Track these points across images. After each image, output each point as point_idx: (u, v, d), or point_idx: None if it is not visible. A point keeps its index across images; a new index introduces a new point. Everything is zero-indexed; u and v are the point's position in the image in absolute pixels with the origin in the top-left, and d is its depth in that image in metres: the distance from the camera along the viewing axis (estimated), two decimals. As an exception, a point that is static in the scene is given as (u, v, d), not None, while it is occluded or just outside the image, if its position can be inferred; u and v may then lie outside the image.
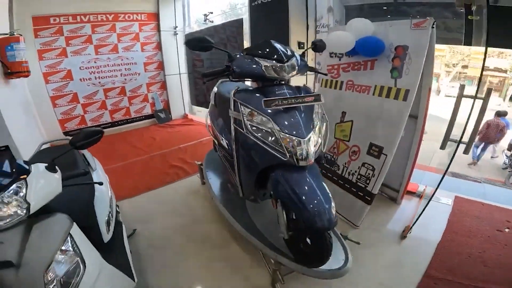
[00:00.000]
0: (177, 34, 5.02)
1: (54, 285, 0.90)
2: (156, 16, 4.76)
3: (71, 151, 1.78)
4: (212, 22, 4.48)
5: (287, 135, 1.21)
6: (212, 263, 1.80)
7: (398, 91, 1.81)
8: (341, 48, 1.95)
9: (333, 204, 1.19)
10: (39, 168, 1.08)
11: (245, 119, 1.29)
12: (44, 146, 1.91)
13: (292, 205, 1.19)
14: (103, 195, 1.68)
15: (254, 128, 1.28)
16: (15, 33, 2.21)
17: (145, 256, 1.90)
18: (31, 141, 2.42)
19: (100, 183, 1.35)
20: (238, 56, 1.40)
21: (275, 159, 1.24)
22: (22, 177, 0.99)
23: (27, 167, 1.03)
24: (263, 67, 1.30)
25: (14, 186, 0.96)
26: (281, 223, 1.31)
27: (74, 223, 1.09)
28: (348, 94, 2.16)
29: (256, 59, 1.32)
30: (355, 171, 2.03)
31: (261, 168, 1.33)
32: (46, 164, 1.10)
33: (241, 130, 1.33)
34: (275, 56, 1.32)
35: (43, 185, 1.04)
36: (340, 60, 2.24)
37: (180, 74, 5.40)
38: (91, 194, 1.59)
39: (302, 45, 2.82)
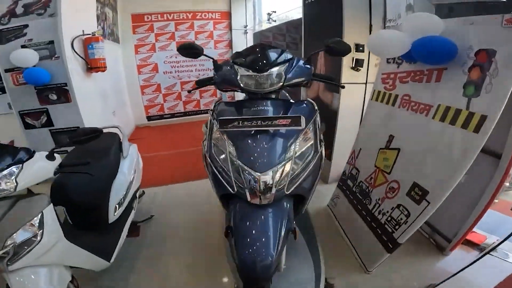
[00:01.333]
0: (247, 32, 5.10)
1: (9, 248, 1.06)
2: (228, 15, 4.96)
3: (112, 138, 2.05)
4: (275, 21, 4.33)
5: (241, 165, 0.99)
6: (199, 267, 1.78)
7: (470, 117, 1.23)
8: (387, 51, 1.48)
9: (279, 251, 0.96)
10: (41, 155, 1.25)
11: (210, 136, 1.13)
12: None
13: (234, 242, 0.99)
14: (122, 181, 1.89)
15: (214, 148, 1.11)
16: (96, 34, 2.66)
17: (148, 240, 2.05)
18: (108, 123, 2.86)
19: (91, 175, 1.46)
20: (223, 63, 1.25)
21: (226, 189, 1.03)
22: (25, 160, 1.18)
23: (29, 152, 1.22)
24: (238, 77, 1.10)
25: (11, 168, 1.13)
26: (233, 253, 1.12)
27: (51, 204, 1.24)
28: (402, 113, 1.65)
29: (236, 67, 1.13)
30: (387, 212, 1.55)
31: (222, 194, 1.14)
32: (47, 153, 1.27)
33: (204, 148, 1.18)
34: (254, 64, 1.10)
35: (36, 170, 1.20)
36: (398, 67, 1.73)
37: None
38: (111, 178, 1.81)
39: (361, 48, 2.34)
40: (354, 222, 1.82)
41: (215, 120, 1.12)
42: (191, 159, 3.47)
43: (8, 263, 1.07)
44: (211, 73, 1.27)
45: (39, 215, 1.17)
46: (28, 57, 2.33)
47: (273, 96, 1.16)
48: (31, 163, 1.20)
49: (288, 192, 1.00)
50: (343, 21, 2.24)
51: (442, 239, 1.79)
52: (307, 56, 1.26)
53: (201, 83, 1.36)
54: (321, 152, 1.14)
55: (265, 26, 4.72)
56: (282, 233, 0.98)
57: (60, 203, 1.56)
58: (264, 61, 1.09)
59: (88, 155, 1.84)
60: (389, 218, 1.52)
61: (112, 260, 1.59)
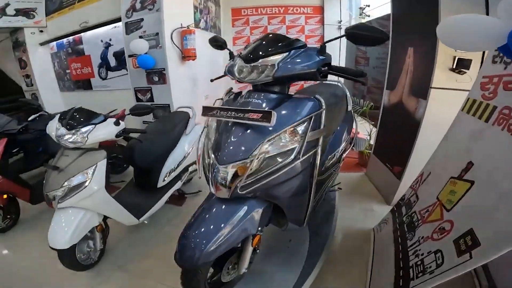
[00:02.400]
0: (341, 28, 4.68)
1: (66, 187, 1.44)
2: (321, 10, 4.67)
3: (183, 116, 2.41)
4: (369, 16, 3.75)
5: (210, 153, 0.96)
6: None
7: None
8: (467, 42, 1.03)
9: (218, 250, 0.91)
10: (110, 121, 1.63)
11: (205, 123, 1.13)
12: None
13: None
14: (179, 153, 2.23)
15: (205, 134, 1.10)
16: (189, 27, 3.08)
17: (187, 211, 2.25)
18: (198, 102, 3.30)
19: (140, 141, 1.84)
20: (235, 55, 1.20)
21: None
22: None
23: (104, 117, 1.63)
24: (235, 68, 1.03)
25: (87, 127, 1.54)
26: None
27: (105, 159, 1.59)
28: (494, 133, 1.15)
29: (237, 58, 1.06)
30: (422, 254, 1.13)
31: None
32: (115, 120, 1.63)
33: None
34: (249, 54, 1.00)
35: (104, 131, 1.58)
36: (505, 68, 1.20)
37: (340, 70, 5.08)
38: (170, 148, 2.17)
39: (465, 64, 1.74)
40: (386, 255, 1.45)
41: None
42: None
43: (60, 201, 1.45)
44: None
45: (94, 166, 1.52)
46: (142, 46, 2.96)
47: (276, 88, 1.04)
48: (102, 126, 1.58)
49: (242, 193, 0.92)
50: (439, 18, 1.73)
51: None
52: (320, 46, 1.05)
53: (218, 77, 1.43)
54: (311, 159, 0.98)
55: (358, 21, 4.22)
56: (233, 233, 0.92)
57: (129, 163, 1.99)
58: (259, 51, 0.99)
59: (159, 128, 2.24)
60: (419, 262, 1.12)
61: (141, 219, 1.86)
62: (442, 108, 1.88)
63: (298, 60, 0.98)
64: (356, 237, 1.85)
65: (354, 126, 2.02)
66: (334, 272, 1.56)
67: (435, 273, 0.98)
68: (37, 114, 2.57)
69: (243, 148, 0.93)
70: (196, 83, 3.71)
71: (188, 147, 2.32)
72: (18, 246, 2.07)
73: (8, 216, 2.22)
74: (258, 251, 1.29)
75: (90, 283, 1.64)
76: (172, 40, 3.05)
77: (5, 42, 5.30)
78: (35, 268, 1.77)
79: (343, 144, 1.72)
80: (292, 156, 0.94)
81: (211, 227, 0.93)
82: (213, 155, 0.97)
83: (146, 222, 1.96)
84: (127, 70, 3.63)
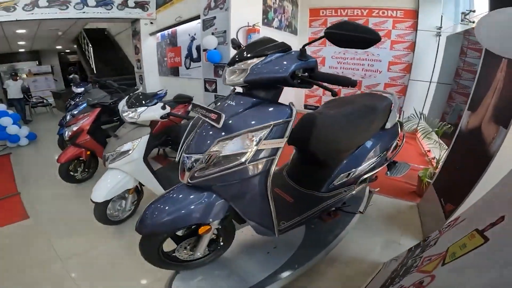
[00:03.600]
0: (440, 35, 3.87)
1: (117, 151, 1.83)
2: (415, 14, 3.98)
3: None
4: (473, 22, 2.94)
5: (181, 143, 1.10)
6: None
7: None
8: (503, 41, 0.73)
9: (167, 222, 1.01)
10: (159, 105, 1.96)
11: None
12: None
13: None
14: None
15: None
16: (255, 26, 3.19)
17: None
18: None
19: (177, 124, 2.16)
20: None
21: None
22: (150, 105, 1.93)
23: (156, 101, 1.97)
24: (225, 70, 1.06)
25: (142, 107, 1.90)
26: None
27: (149, 134, 1.92)
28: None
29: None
30: None
31: None
32: (162, 104, 1.95)
33: None
34: (233, 57, 1.03)
35: (152, 112, 1.91)
36: None
37: (430, 82, 4.27)
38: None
39: None
40: None
41: None
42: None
43: (111, 162, 1.85)
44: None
45: (139, 138, 1.88)
46: (212, 42, 3.29)
47: (261, 93, 1.02)
48: (152, 108, 1.92)
49: (192, 182, 1.01)
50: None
51: None
52: (300, 49, 0.95)
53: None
54: (266, 167, 0.99)
55: (461, 28, 3.41)
56: (181, 213, 1.01)
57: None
58: (242, 53, 1.00)
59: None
60: None
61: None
62: None
63: (271, 65, 0.94)
64: (358, 268, 1.61)
65: (394, 144, 1.73)
66: None
67: None
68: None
69: (202, 143, 1.01)
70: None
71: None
72: (82, 196, 2.46)
73: (86, 170, 2.84)
74: (220, 246, 1.34)
75: (108, 237, 1.97)
76: (237, 38, 3.24)
77: (128, 30, 6.74)
78: (80, 216, 2.17)
79: (365, 164, 1.51)
80: (242, 160, 0.94)
81: (168, 205, 1.04)
82: (185, 145, 1.09)
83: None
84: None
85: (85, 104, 3.20)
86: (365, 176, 1.53)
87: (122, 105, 1.96)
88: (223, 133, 0.96)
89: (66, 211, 2.36)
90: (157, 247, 1.14)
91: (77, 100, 3.60)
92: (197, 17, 4.06)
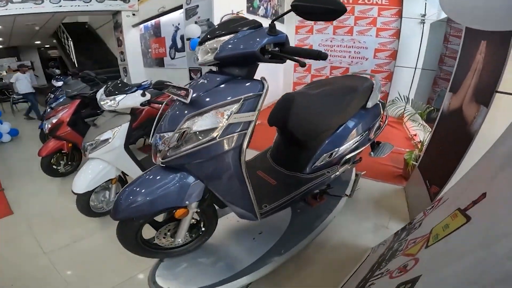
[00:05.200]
0: (424, 22, 3.90)
1: (96, 140, 1.78)
2: (399, 1, 4.00)
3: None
4: None
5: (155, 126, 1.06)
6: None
7: None
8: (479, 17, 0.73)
9: (141, 206, 0.98)
10: (139, 92, 1.91)
11: None
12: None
13: None
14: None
15: None
16: (239, 13, 3.13)
17: None
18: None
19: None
20: None
21: None
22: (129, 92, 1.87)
23: (136, 89, 1.91)
24: (198, 51, 1.02)
25: (120, 95, 1.84)
26: None
27: (128, 122, 1.87)
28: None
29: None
30: None
31: None
32: (141, 91, 1.90)
33: None
34: (205, 35, 1.00)
35: (131, 99, 1.86)
36: None
37: (416, 68, 4.30)
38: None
39: None
40: (356, 279, 1.24)
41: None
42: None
43: (90, 151, 1.79)
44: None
45: (119, 126, 1.83)
46: (195, 31, 3.20)
47: (234, 71, 0.99)
48: (131, 95, 1.87)
49: (164, 161, 0.99)
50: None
51: None
52: (269, 25, 0.93)
53: None
54: (239, 142, 0.97)
55: (444, 15, 3.43)
56: (156, 196, 0.99)
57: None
58: (210, 34, 0.97)
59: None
60: None
61: None
62: (506, 120, 1.42)
63: (241, 41, 0.91)
64: (346, 253, 1.63)
65: (376, 125, 1.74)
66: (297, 278, 1.44)
67: None
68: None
69: (173, 121, 0.99)
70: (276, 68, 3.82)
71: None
72: (67, 190, 2.40)
73: (69, 163, 2.75)
74: (202, 232, 1.32)
75: (93, 229, 1.93)
76: (221, 25, 3.18)
77: (110, 23, 6.52)
78: (65, 210, 2.12)
79: (347, 144, 1.50)
80: (214, 135, 0.92)
81: (143, 188, 1.01)
82: (157, 127, 1.06)
83: None
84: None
85: (64, 97, 3.09)
86: (348, 156, 1.53)
87: (100, 94, 1.90)
88: (193, 109, 0.93)
89: (50, 206, 2.31)
90: (134, 234, 1.11)
91: (57, 93, 3.50)
92: (181, 7, 3.96)
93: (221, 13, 3.06)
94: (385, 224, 1.90)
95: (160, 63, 5.25)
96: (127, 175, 2.04)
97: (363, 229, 1.86)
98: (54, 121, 2.58)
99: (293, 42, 5.17)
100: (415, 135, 3.44)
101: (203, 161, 0.97)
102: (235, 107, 0.92)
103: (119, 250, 1.58)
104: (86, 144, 1.82)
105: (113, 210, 1.02)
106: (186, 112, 0.95)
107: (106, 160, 1.83)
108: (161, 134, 1.00)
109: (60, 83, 3.72)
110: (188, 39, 3.48)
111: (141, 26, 5.61)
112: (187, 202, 1.04)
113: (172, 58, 4.80)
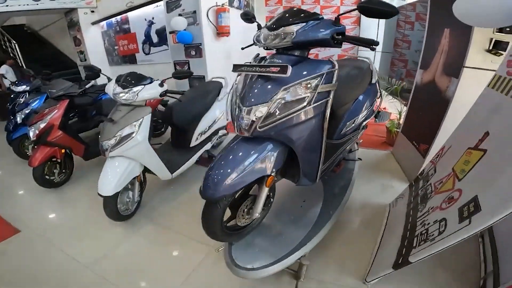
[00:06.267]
0: None
1: (118, 136, 1.72)
2: None
3: (216, 84, 2.69)
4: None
5: (237, 101, 1.14)
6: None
7: None
8: (483, 18, 1.05)
9: (234, 184, 1.06)
10: (156, 83, 1.89)
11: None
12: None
13: None
14: (210, 116, 2.49)
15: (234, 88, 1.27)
16: (224, 5, 3.23)
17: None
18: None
19: (179, 100, 2.10)
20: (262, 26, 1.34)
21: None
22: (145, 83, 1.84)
23: (151, 80, 1.89)
24: (261, 36, 1.17)
25: (138, 87, 1.80)
26: None
27: (150, 114, 1.85)
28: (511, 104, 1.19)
29: (262, 28, 1.21)
30: (428, 223, 1.23)
31: None
32: (160, 81, 1.89)
33: None
34: (271, 24, 1.15)
35: (150, 91, 1.83)
36: None
37: (375, 51, 4.87)
38: (204, 111, 2.44)
39: (508, 28, 1.65)
40: (396, 227, 1.54)
41: None
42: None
43: (111, 150, 1.73)
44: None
45: (141, 119, 1.79)
46: (181, 23, 3.20)
47: (296, 53, 1.16)
48: (149, 86, 1.84)
49: (261, 130, 1.07)
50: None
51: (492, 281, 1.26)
52: (335, 18, 1.14)
53: (248, 46, 1.51)
54: (322, 108, 1.13)
55: (397, 3, 3.96)
56: (249, 170, 1.08)
57: (167, 122, 2.27)
58: (281, 21, 1.13)
59: (196, 93, 2.50)
60: (424, 231, 1.21)
61: (174, 175, 2.12)
62: (473, 87, 1.85)
63: (313, 29, 1.10)
64: (370, 212, 1.94)
65: (378, 100, 2.07)
66: (341, 240, 1.66)
67: (435, 240, 1.08)
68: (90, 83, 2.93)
69: (264, 94, 1.09)
70: (230, 57, 3.90)
71: (219, 113, 2.55)
72: (69, 199, 2.37)
73: (64, 171, 2.56)
74: (272, 200, 1.47)
75: (124, 232, 1.85)
76: (208, 18, 3.23)
77: (59, 22, 5.92)
78: (79, 219, 2.05)
79: (363, 113, 1.81)
80: (305, 103, 1.08)
81: (232, 164, 1.08)
82: (239, 101, 1.14)
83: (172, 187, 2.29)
84: (167, 45, 3.93)
85: (42, 99, 2.83)
86: (364, 122, 1.85)
87: (111, 88, 1.81)
88: (287, 82, 1.07)
89: (59, 217, 2.19)
90: (220, 216, 1.19)
91: (21, 99, 3.09)
92: (155, 1, 3.86)
93: (207, 5, 3.14)
94: (390, 184, 2.27)
95: (131, 59, 5.01)
96: (145, 172, 2.01)
97: (374, 190, 2.20)
98: (42, 125, 2.30)
99: (263, 14, 5.28)
100: (385, 108, 3.96)
101: (294, 127, 1.11)
102: (318, 79, 1.09)
103: (166, 250, 1.69)
104: (105, 143, 1.75)
105: (202, 189, 1.09)
106: (279, 84, 1.07)
107: (129, 156, 1.79)
108: (249, 108, 1.08)
109: (22, 88, 3.26)
110: (172, 32, 3.44)
111: (103, 23, 5.24)
112: (274, 170, 1.16)
113: (147, 54, 4.63)
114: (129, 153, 1.78)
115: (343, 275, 1.45)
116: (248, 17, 1.37)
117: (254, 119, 1.08)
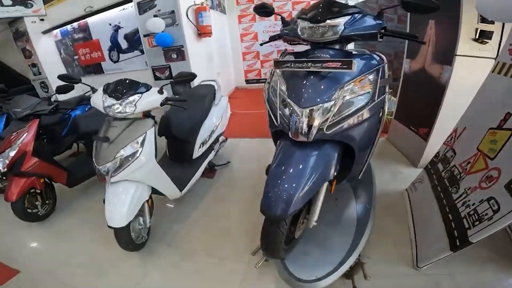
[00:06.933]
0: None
1: (118, 158, 1.44)
2: None
3: (209, 88, 2.46)
4: None
5: (287, 100, 1.03)
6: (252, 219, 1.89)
7: None
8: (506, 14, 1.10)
9: (304, 196, 0.95)
10: (155, 90, 1.61)
11: (270, 79, 1.19)
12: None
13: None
14: (210, 123, 2.30)
15: (271, 89, 1.16)
16: (203, 4, 3.06)
17: (219, 184, 2.37)
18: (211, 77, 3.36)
19: (184, 108, 1.82)
20: (290, 20, 1.25)
21: (273, 125, 1.10)
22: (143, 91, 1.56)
23: (147, 87, 1.61)
24: (299, 29, 1.09)
25: (135, 96, 1.51)
26: None
27: (153, 127, 1.59)
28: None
29: (298, 20, 1.11)
30: (473, 204, 1.27)
31: (273, 131, 1.22)
32: (158, 89, 1.62)
33: (265, 91, 1.25)
34: (314, 16, 1.06)
35: (150, 99, 1.55)
36: None
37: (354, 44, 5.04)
38: (202, 119, 2.23)
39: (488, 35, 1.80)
40: (429, 211, 1.57)
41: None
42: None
43: (112, 174, 1.44)
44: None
45: (144, 134, 1.52)
46: (158, 25, 2.95)
47: (337, 46, 1.11)
48: (148, 94, 1.56)
49: (328, 133, 0.98)
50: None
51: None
52: (378, 12, 1.11)
53: (272, 38, 1.41)
54: (382, 104, 1.05)
55: None
56: (314, 179, 0.98)
57: (164, 134, 2.00)
58: (324, 13, 1.05)
59: (190, 99, 2.26)
60: (472, 212, 1.25)
61: (183, 192, 1.91)
62: (466, 73, 2.01)
63: (361, 23, 1.05)
64: (388, 199, 1.96)
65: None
66: (376, 232, 1.61)
67: (493, 219, 1.10)
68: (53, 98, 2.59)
69: (323, 92, 0.99)
70: (212, 58, 3.73)
71: (217, 118, 2.38)
72: (63, 232, 2.05)
73: (47, 202, 2.21)
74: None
75: (144, 263, 1.66)
76: (188, 17, 3.03)
77: (3, 33, 5.15)
78: (85, 254, 1.78)
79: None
80: (367, 100, 1.02)
81: (295, 175, 0.97)
82: (292, 102, 1.02)
83: (172, 206, 2.13)
84: (140, 51, 3.62)
85: (2, 121, 2.42)
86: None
87: (99, 100, 1.51)
88: (347, 78, 0.99)
89: (60, 253, 1.85)
90: (287, 231, 1.10)
91: None
92: (119, 4, 3.52)
93: (186, 4, 2.94)
94: (397, 170, 2.33)
95: (96, 69, 4.53)
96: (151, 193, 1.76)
97: (384, 178, 2.23)
98: (12, 154, 1.91)
99: (237, 31, 5.24)
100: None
101: (358, 125, 1.03)
102: (375, 74, 1.03)
103: (198, 275, 1.53)
104: (102, 167, 1.45)
105: (268, 207, 0.98)
106: (338, 81, 0.99)
107: (136, 179, 1.53)
108: (310, 108, 0.96)
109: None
110: (147, 35, 3.17)
111: (56, 31, 4.67)
112: (335, 174, 1.08)
113: (115, 62, 4.23)
114: (135, 176, 1.52)
115: (391, 265, 1.44)
116: (268, 9, 1.25)
117: (318, 121, 0.97)
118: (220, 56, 4.59)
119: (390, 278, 1.38)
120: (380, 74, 1.06)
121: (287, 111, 1.03)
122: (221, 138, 2.57)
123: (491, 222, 1.11)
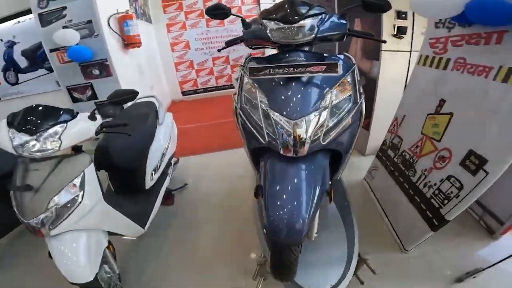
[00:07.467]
0: None
1: (52, 208, 1.09)
2: None
3: (149, 106, 2.10)
4: None
5: (272, 113, 0.92)
6: (230, 235, 1.81)
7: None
8: (434, 11, 1.27)
9: (312, 214, 0.88)
10: (83, 116, 1.26)
11: (241, 89, 1.08)
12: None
13: (264, 201, 0.93)
14: (158, 146, 1.98)
15: (245, 100, 1.05)
16: (128, 12, 2.72)
17: (181, 209, 2.15)
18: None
19: (128, 134, 1.44)
20: (252, 21, 1.18)
21: (257, 141, 0.98)
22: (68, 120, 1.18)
23: (73, 113, 1.24)
24: (268, 30, 1.02)
25: (56, 127, 1.14)
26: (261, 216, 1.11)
27: (92, 163, 1.26)
28: (455, 76, 1.44)
29: (265, 21, 1.05)
30: (434, 184, 1.42)
31: (253, 148, 1.09)
32: (89, 114, 1.27)
33: (235, 101, 1.11)
34: (285, 17, 1.01)
35: (79, 129, 1.20)
36: (449, 31, 1.50)
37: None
38: (148, 142, 1.90)
39: (403, 15, 2.06)
40: (394, 196, 1.71)
41: (245, 72, 1.03)
42: (224, 130, 3.35)
43: (50, 227, 1.11)
44: (242, 48, 1.20)
45: (81, 174, 1.18)
46: (69, 37, 2.46)
47: (306, 48, 1.09)
48: (75, 123, 1.20)
49: (324, 143, 0.91)
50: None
51: (494, 221, 1.63)
52: (341, 12, 1.14)
53: (230, 43, 1.29)
54: (361, 105, 1.03)
55: None
56: (317, 194, 0.90)
57: (103, 167, 1.62)
58: (295, 14, 1.00)
59: (128, 120, 1.89)
60: (437, 192, 1.39)
61: (146, 227, 1.65)
62: (392, 66, 2.27)
63: (332, 24, 1.03)
64: (352, 189, 2.04)
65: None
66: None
67: (460, 196, 1.22)
68: None
69: (311, 100, 0.92)
70: (142, 72, 3.35)
71: (165, 139, 2.09)
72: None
73: None
74: None
75: None
76: (110, 27, 2.64)
77: None
78: None
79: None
80: (352, 102, 0.99)
81: (297, 195, 0.88)
82: (277, 113, 0.91)
83: (135, 238, 1.75)
84: (46, 69, 3.02)
85: None
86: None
87: (4, 137, 1.10)
88: (333, 81, 0.93)
89: None
90: (299, 254, 1.01)
91: None
92: (13, 17, 2.85)
93: (107, 13, 2.55)
94: (352, 161, 2.47)
95: (-14, 95, 3.58)
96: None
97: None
98: None
99: (167, 41, 4.91)
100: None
101: (346, 130, 0.98)
102: (351, 75, 1.01)
103: None
104: (32, 222, 1.08)
105: (278, 233, 0.86)
106: (323, 86, 0.93)
107: (85, 227, 1.23)
108: (300, 119, 0.87)
109: None
110: (54, 50, 2.64)
111: None
112: (330, 183, 1.02)
113: (14, 84, 3.40)
114: (84, 224, 1.21)
115: (382, 254, 1.53)
116: (224, 10, 1.14)
117: (311, 131, 0.89)
118: (151, 68, 4.20)
119: (387, 266, 1.44)
120: (356, 76, 1.06)
121: (272, 124, 0.92)
122: (173, 160, 2.28)
123: (459, 199, 1.24)
